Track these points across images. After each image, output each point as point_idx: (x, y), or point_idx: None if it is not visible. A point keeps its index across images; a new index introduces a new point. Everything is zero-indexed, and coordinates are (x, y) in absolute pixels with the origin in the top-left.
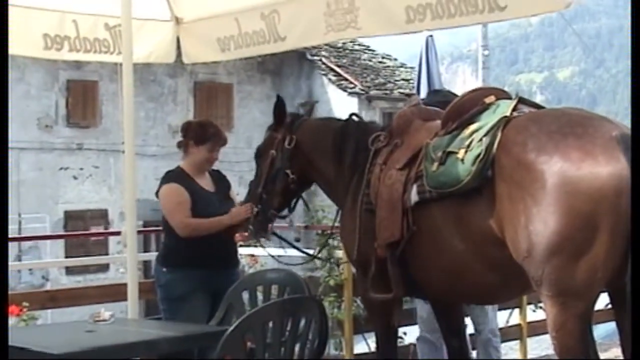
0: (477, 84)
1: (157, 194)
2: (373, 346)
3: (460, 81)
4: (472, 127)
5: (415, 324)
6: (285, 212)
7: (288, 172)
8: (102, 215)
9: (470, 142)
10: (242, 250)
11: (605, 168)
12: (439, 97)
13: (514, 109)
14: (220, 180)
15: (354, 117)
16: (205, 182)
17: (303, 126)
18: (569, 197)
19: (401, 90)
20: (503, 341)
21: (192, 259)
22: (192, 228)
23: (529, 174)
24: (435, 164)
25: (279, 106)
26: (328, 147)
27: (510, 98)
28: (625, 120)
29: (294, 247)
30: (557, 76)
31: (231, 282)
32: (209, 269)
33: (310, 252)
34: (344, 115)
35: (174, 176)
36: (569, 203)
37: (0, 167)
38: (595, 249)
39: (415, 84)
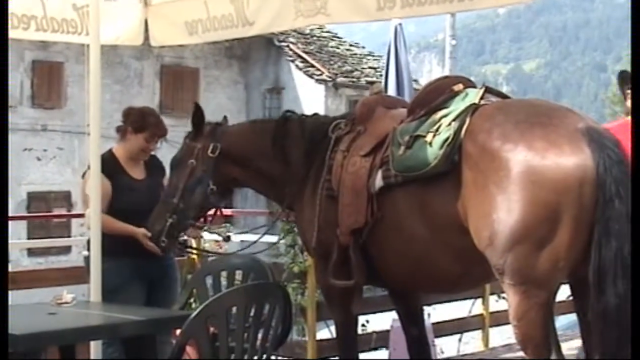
0: (444, 73)
1: (83, 175)
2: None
3: (427, 71)
4: (441, 112)
5: (378, 312)
6: (201, 222)
7: (210, 182)
8: (65, 197)
9: (439, 127)
10: (206, 236)
11: (570, 159)
12: None
13: (482, 97)
14: (155, 167)
15: (289, 114)
16: (136, 170)
17: (228, 133)
18: (533, 186)
19: (368, 79)
20: (465, 331)
21: (125, 248)
22: (104, 226)
23: (494, 162)
24: (403, 148)
25: (198, 114)
26: (268, 146)
27: (476, 87)
28: (590, 113)
29: (212, 252)
30: (523, 68)
31: (165, 270)
32: (142, 257)
33: (275, 238)
34: (310, 102)
35: (101, 162)
36: (533, 192)
37: (0, 167)
38: (558, 238)
39: (384, 72)
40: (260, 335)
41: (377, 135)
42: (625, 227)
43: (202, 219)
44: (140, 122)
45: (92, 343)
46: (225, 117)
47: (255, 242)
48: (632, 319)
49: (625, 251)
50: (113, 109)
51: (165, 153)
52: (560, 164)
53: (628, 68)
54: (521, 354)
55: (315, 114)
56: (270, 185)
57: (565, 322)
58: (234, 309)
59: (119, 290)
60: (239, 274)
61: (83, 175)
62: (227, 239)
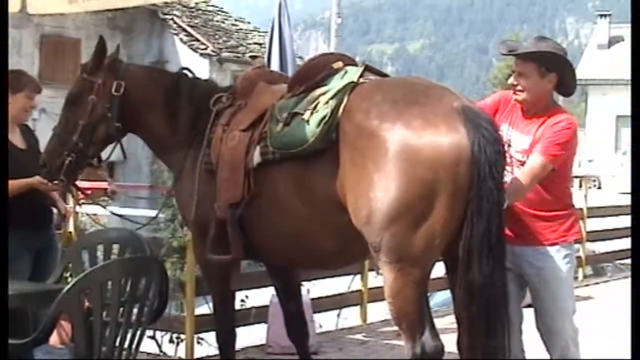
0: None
1: None
2: None
3: (313, 49)
4: (319, 90)
5: (258, 287)
6: (95, 161)
7: (114, 122)
8: None
9: (317, 105)
10: (85, 209)
11: (446, 138)
12: (545, 44)
13: (361, 76)
14: (30, 136)
15: (187, 72)
16: (17, 139)
17: (130, 72)
18: (409, 165)
19: (253, 54)
20: (344, 307)
21: (14, 218)
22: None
23: (371, 141)
24: (280, 125)
25: (101, 46)
26: (159, 101)
27: (357, 65)
28: (472, 95)
29: (117, 215)
30: (408, 48)
31: (51, 240)
32: (30, 227)
33: (154, 212)
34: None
35: None
36: (410, 171)
37: (0, 166)
38: (434, 217)
39: (267, 48)
40: (135, 310)
41: (257, 110)
42: (496, 207)
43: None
44: (15, 82)
45: None
46: (118, 46)
47: (155, 217)
48: (632, 319)
49: (493, 230)
50: None
51: (44, 125)
52: (436, 143)
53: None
54: (397, 328)
55: (208, 80)
56: (156, 142)
57: (441, 299)
58: (109, 283)
59: (9, 261)
60: (116, 248)
61: None
62: (113, 193)
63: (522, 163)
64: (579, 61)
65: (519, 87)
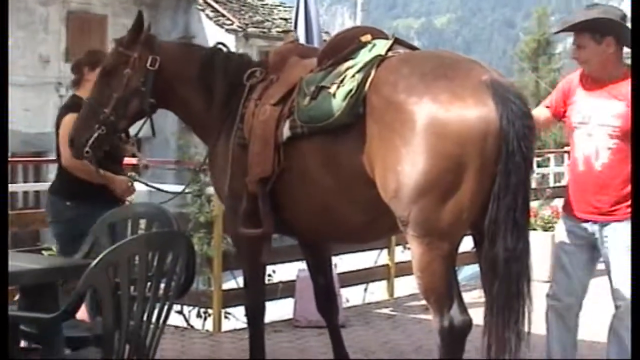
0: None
1: (57, 123)
2: (241, 283)
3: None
4: (347, 64)
5: (285, 262)
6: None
7: (148, 96)
8: None
9: (344, 78)
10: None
11: (474, 111)
12: (595, 11)
13: (389, 49)
14: None
15: (221, 47)
16: None
17: (165, 48)
18: (437, 139)
19: (279, 29)
20: (371, 281)
21: (99, 193)
22: (81, 170)
23: (398, 115)
24: (307, 99)
25: (140, 21)
26: (194, 76)
27: (386, 38)
28: (498, 68)
29: (152, 186)
30: (434, 23)
31: None
32: (113, 203)
33: (181, 187)
34: None
35: (75, 106)
36: (437, 145)
37: (0, 167)
38: (462, 190)
39: (293, 23)
40: (162, 285)
41: (287, 84)
42: (523, 182)
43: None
44: (94, 59)
45: None
46: (149, 23)
47: (181, 192)
48: (632, 319)
49: (519, 205)
50: (16, 55)
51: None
52: (463, 117)
53: (536, 25)
54: (424, 302)
55: (243, 54)
56: (191, 116)
57: (469, 272)
58: (136, 258)
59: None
60: (143, 223)
61: (57, 124)
62: (145, 167)
63: (618, 128)
64: None
65: (581, 60)
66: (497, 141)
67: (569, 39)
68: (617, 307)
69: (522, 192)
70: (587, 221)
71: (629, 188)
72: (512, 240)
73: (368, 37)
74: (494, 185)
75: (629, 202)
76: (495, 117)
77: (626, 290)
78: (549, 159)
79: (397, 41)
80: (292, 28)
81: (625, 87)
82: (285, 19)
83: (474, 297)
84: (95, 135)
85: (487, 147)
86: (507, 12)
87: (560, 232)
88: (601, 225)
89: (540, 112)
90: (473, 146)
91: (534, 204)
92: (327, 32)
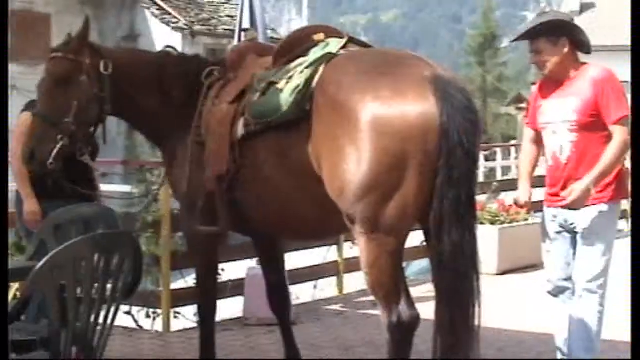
0: (302, 23)
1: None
2: (191, 282)
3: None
4: (298, 61)
5: (234, 260)
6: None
7: (107, 102)
8: None
9: (292, 75)
10: None
11: (414, 107)
12: (546, 17)
13: (343, 48)
14: None
15: (170, 49)
16: None
17: (111, 52)
18: (379, 136)
19: (226, 27)
20: (320, 278)
21: (63, 188)
22: (14, 171)
23: (342, 113)
24: (258, 95)
25: (87, 28)
26: (147, 79)
27: (341, 37)
28: (446, 63)
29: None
30: (381, 19)
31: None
32: (78, 199)
33: (128, 188)
34: None
35: (32, 106)
36: (380, 142)
37: (0, 166)
38: (406, 186)
39: (238, 21)
40: (109, 286)
41: (244, 83)
42: (466, 176)
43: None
44: None
45: None
46: (87, 20)
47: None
48: (632, 319)
49: (463, 199)
50: None
51: (16, 101)
52: (404, 113)
53: (482, 20)
54: (373, 298)
55: (197, 55)
56: (144, 119)
57: (418, 268)
58: (82, 259)
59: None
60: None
61: None
62: (104, 175)
63: (576, 122)
64: None
65: (540, 64)
66: (439, 136)
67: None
68: (576, 301)
69: (466, 186)
70: (562, 207)
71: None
72: (458, 234)
73: (321, 35)
74: (437, 180)
75: (607, 188)
76: (435, 112)
77: (588, 277)
78: (496, 153)
79: (351, 40)
80: (237, 25)
81: (580, 82)
82: (232, 17)
83: (423, 292)
84: (59, 145)
85: (429, 143)
86: (454, 7)
87: (544, 221)
88: (573, 212)
89: (525, 135)
90: (415, 142)
91: (481, 198)
92: (273, 29)
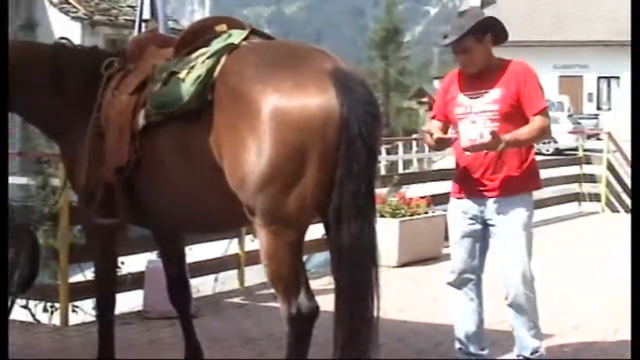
0: (205, 15)
1: None
2: (89, 275)
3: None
4: (200, 51)
5: (134, 253)
6: None
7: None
8: None
9: (194, 65)
10: None
11: (315, 99)
12: (467, 16)
13: (245, 39)
14: None
15: (65, 41)
16: None
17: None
18: (280, 128)
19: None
20: (222, 270)
21: None
22: None
23: (243, 104)
24: (159, 85)
25: None
26: (42, 72)
27: (243, 28)
28: (348, 57)
29: None
30: (284, 11)
31: None
32: None
33: (25, 180)
34: None
35: None
36: (280, 134)
37: (1, 167)
38: (306, 178)
39: (138, 11)
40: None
41: (144, 73)
42: (365, 168)
43: None
44: None
45: None
46: (63, 38)
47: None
48: (632, 318)
49: (362, 191)
50: None
51: None
52: (305, 105)
53: (385, 13)
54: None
55: (95, 47)
56: (40, 115)
57: (318, 260)
58: None
59: None
60: None
61: None
62: None
63: (497, 112)
64: None
65: (468, 63)
66: (338, 128)
67: (418, 28)
68: (507, 296)
69: (366, 178)
70: (479, 199)
71: (517, 163)
72: (357, 226)
73: (224, 26)
74: (337, 172)
75: (520, 178)
76: (336, 104)
77: (517, 273)
78: (397, 146)
79: (253, 31)
80: (137, 16)
81: (499, 73)
82: (133, 7)
83: (323, 284)
84: None
85: (329, 135)
86: (357, 0)
87: (453, 213)
88: (494, 202)
89: (433, 126)
90: (314, 134)
91: (382, 191)
92: (175, 21)
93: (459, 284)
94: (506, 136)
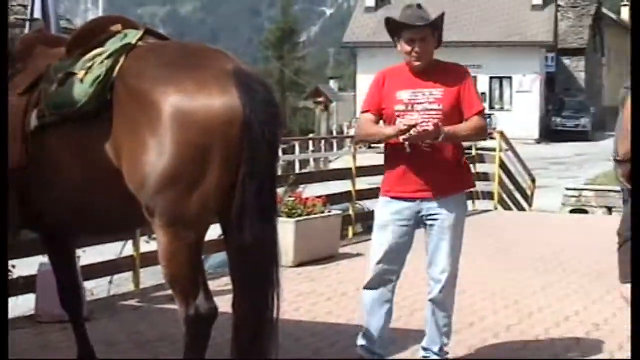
0: (99, 14)
1: None
2: None
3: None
4: (96, 51)
5: (25, 257)
6: None
7: None
8: None
9: (92, 65)
10: None
11: (218, 100)
12: (416, 10)
13: (140, 39)
14: None
15: None
16: None
17: None
18: (182, 128)
19: (18, 17)
20: (116, 273)
21: None
22: None
23: (144, 105)
24: (55, 85)
25: None
26: None
27: (137, 29)
28: (244, 57)
29: None
30: (180, 11)
31: None
32: None
33: None
34: None
35: None
36: (183, 135)
37: (0, 167)
38: (208, 180)
39: (29, 10)
40: None
41: (35, 73)
42: (268, 168)
43: None
44: None
45: None
46: None
47: None
48: (632, 318)
49: (265, 192)
50: None
51: None
52: (208, 106)
53: (281, 14)
54: (171, 292)
55: None
56: None
57: (216, 261)
58: None
59: None
60: None
61: None
62: None
63: (439, 111)
64: (349, 24)
65: (421, 54)
66: (242, 129)
67: (313, 28)
68: (430, 291)
69: (268, 178)
70: (415, 200)
71: (451, 164)
72: (259, 226)
73: (119, 26)
74: (240, 173)
75: (454, 179)
76: (239, 105)
77: (444, 271)
78: (294, 146)
79: (148, 31)
80: (28, 15)
81: (440, 73)
82: (24, 6)
83: (221, 286)
84: None
85: (232, 136)
86: (253, 1)
87: (383, 212)
88: (432, 201)
89: (366, 119)
90: (218, 135)
91: (279, 191)
92: (68, 20)
93: (377, 284)
94: (446, 129)
